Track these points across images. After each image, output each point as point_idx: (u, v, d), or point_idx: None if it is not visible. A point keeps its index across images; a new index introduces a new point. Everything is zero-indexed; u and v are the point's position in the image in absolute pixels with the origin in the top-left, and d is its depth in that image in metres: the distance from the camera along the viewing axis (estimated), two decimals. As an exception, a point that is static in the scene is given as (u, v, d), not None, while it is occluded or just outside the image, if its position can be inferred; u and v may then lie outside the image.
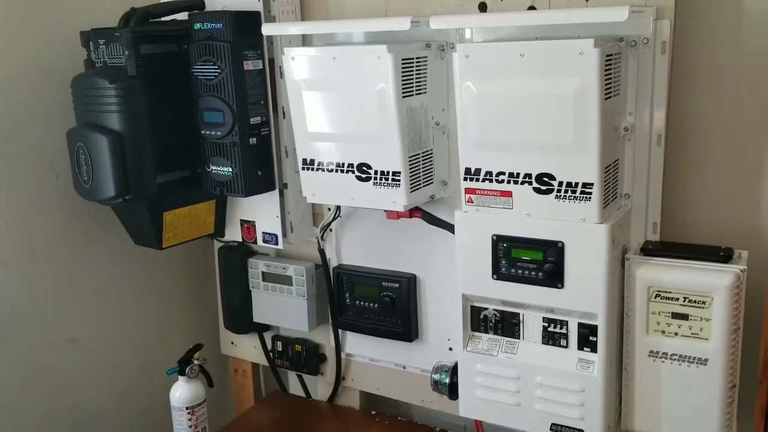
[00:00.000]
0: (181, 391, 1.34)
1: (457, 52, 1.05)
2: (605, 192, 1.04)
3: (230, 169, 1.30)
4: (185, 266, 1.66)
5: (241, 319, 1.61)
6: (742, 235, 1.13)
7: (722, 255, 1.04)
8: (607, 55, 0.98)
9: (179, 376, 1.34)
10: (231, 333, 1.67)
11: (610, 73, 1.01)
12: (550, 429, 1.13)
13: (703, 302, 1.02)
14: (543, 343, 1.13)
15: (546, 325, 1.13)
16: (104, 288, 1.48)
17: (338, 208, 1.41)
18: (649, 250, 1.10)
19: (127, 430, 1.54)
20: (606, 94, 0.99)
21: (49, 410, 1.40)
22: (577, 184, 1.02)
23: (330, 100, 1.20)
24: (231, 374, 1.77)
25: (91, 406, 1.47)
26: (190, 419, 1.33)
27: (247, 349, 1.69)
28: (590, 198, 1.02)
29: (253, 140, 1.31)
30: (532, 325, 1.14)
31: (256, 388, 1.75)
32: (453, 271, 1.17)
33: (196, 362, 1.35)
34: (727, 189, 1.15)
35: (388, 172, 1.18)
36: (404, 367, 1.46)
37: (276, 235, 1.43)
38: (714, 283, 1.01)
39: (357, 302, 1.45)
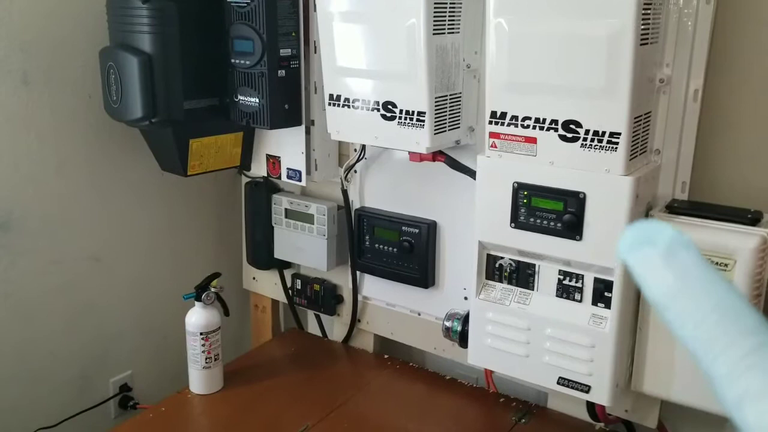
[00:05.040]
0: (197, 317, 1.36)
1: (491, -13, 1.02)
2: (633, 143, 1.00)
3: (257, 100, 1.29)
4: (214, 199, 1.68)
5: (263, 255, 1.63)
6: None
7: (750, 218, 1.00)
8: (647, -2, 0.94)
9: (195, 302, 1.36)
10: (253, 268, 1.69)
11: (648, 17, 0.96)
12: (557, 382, 1.12)
13: (725, 264, 0.99)
14: (557, 296, 1.11)
15: (561, 277, 1.10)
16: (130, 210, 1.51)
17: (363, 148, 1.40)
18: (675, 208, 1.06)
19: (144, 349, 1.58)
20: (642, 39, 0.95)
21: (70, 326, 1.44)
22: (604, 132, 0.99)
23: (360, 33, 1.18)
24: (251, 309, 1.80)
25: (112, 323, 1.51)
26: (203, 344, 1.36)
27: (268, 285, 1.71)
28: (617, 148, 0.98)
29: (281, 72, 1.30)
30: (547, 277, 1.12)
31: (275, 325, 1.77)
32: (474, 221, 1.15)
33: (212, 290, 1.37)
34: (764, 151, 1.10)
35: (413, 112, 1.16)
36: (419, 314, 1.46)
37: (300, 172, 1.43)
38: (737, 245, 0.97)
39: (376, 245, 1.44)
